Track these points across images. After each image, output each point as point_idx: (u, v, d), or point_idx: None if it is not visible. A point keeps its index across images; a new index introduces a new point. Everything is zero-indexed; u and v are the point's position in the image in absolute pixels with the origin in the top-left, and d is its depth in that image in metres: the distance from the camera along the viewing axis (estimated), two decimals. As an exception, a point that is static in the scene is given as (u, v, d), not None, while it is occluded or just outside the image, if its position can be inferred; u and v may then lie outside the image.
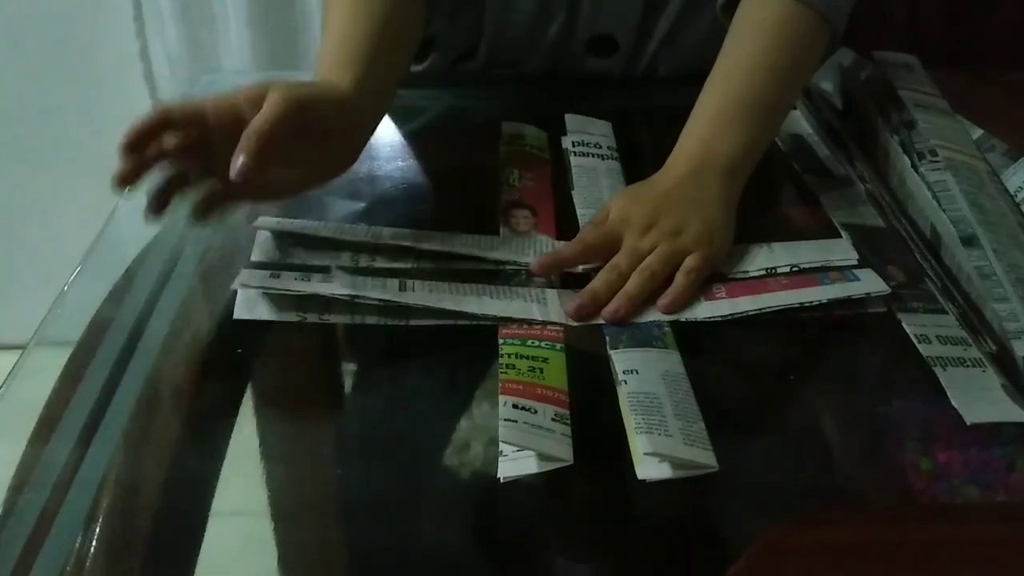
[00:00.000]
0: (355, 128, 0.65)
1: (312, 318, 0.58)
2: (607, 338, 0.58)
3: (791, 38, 0.71)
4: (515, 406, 0.51)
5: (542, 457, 0.49)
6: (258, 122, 0.55)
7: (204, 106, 0.58)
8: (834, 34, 0.73)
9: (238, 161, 0.54)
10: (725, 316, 0.60)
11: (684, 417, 0.51)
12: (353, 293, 0.58)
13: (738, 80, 0.70)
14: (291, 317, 0.58)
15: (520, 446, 0.49)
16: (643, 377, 0.54)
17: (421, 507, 0.51)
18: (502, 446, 0.50)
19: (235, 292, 0.59)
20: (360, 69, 0.64)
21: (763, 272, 0.64)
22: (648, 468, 0.49)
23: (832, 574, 0.45)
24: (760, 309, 0.60)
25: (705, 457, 0.49)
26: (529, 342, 0.57)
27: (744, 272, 0.64)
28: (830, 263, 0.65)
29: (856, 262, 0.65)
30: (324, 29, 0.69)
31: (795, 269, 0.64)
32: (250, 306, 0.59)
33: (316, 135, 0.60)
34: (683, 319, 0.60)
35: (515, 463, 0.49)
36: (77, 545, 0.46)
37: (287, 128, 0.56)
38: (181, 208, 0.72)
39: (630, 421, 0.51)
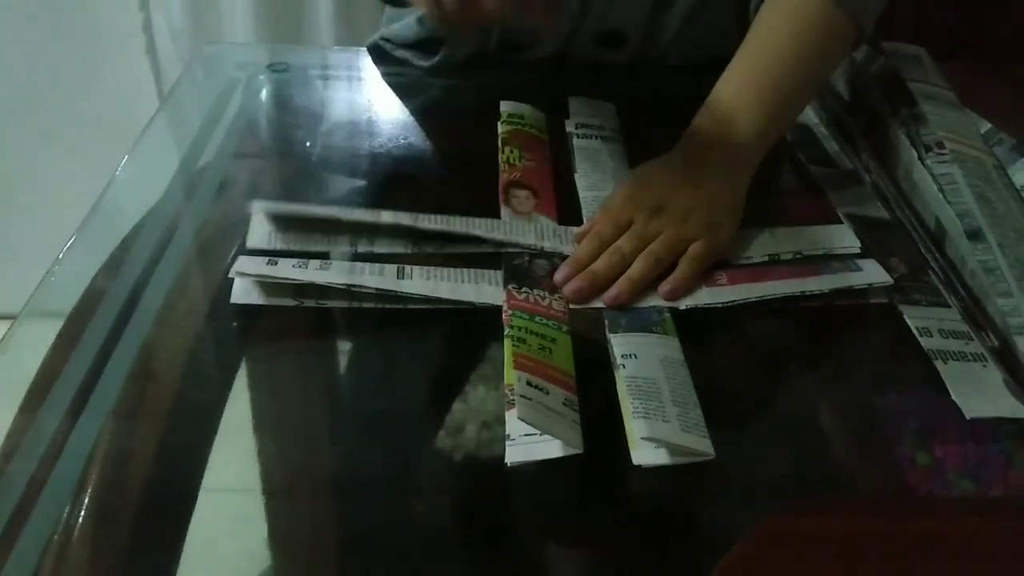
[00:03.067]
0: None
1: (309, 303, 0.58)
2: (606, 321, 0.58)
3: (819, 32, 0.70)
4: (529, 383, 0.50)
5: (554, 443, 0.48)
6: None
7: None
8: (860, 36, 0.72)
9: None
10: (726, 303, 0.59)
11: (682, 404, 0.51)
12: (350, 282, 0.57)
13: (761, 66, 0.69)
14: (288, 302, 0.58)
15: (536, 427, 0.48)
16: (641, 362, 0.54)
17: (413, 488, 0.50)
18: (509, 428, 0.49)
19: (231, 269, 0.59)
20: None
21: (766, 258, 0.63)
22: (644, 454, 0.48)
23: (826, 564, 0.45)
24: (761, 296, 0.60)
25: (702, 444, 0.49)
26: (536, 318, 0.56)
27: (747, 258, 0.63)
28: (832, 250, 0.64)
29: (859, 250, 0.64)
30: None
31: (798, 256, 0.63)
32: (247, 292, 0.58)
33: None
34: (683, 306, 0.59)
35: (524, 448, 0.48)
36: (65, 515, 0.45)
37: None
38: (178, 180, 0.72)
39: (627, 405, 0.50)
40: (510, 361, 0.52)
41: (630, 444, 0.49)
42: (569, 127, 0.78)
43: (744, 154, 0.66)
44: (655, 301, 0.59)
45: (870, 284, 0.61)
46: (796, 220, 0.69)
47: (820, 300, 0.60)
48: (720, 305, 0.59)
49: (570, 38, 0.85)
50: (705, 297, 0.60)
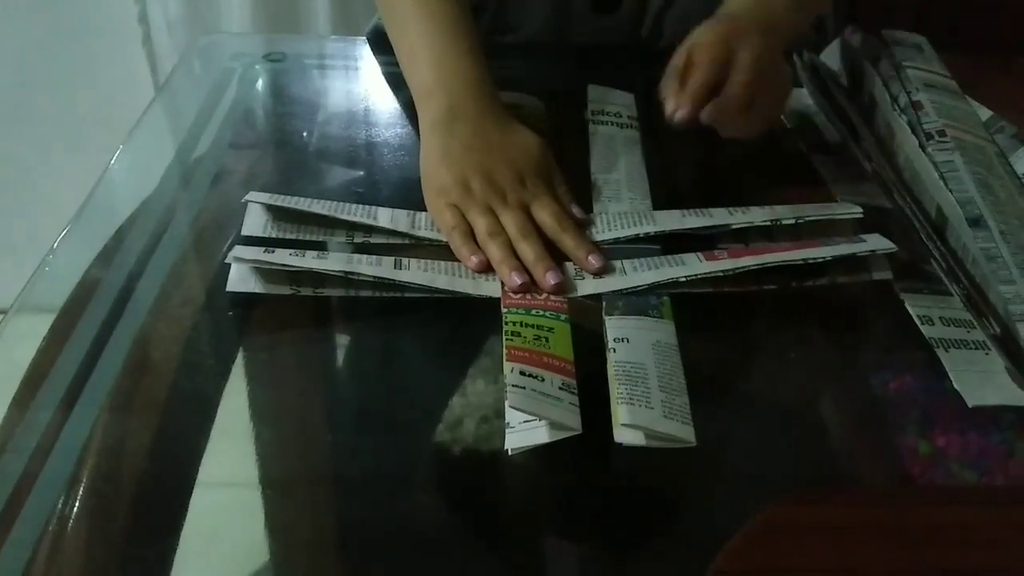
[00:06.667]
0: None
1: (306, 291, 0.57)
2: (604, 304, 0.57)
3: None
4: (522, 373, 0.50)
5: (552, 426, 0.48)
6: None
7: None
8: None
9: None
10: (727, 271, 0.58)
11: (668, 389, 0.51)
12: (348, 270, 0.57)
13: None
14: (284, 291, 0.57)
15: (530, 413, 0.48)
16: (633, 346, 0.53)
17: (411, 481, 0.50)
18: (508, 416, 0.49)
19: (227, 256, 0.58)
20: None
21: (768, 223, 0.63)
22: (625, 435, 0.48)
23: (827, 553, 0.45)
24: (762, 264, 0.59)
25: (683, 432, 0.48)
26: (533, 311, 0.56)
27: (749, 222, 0.63)
28: (835, 215, 0.64)
29: (860, 214, 0.64)
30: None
31: (800, 220, 0.63)
32: (243, 279, 0.58)
33: None
34: (683, 278, 0.58)
35: (523, 434, 0.48)
36: (58, 508, 0.45)
37: None
38: (174, 170, 0.72)
39: (614, 390, 0.50)
40: (505, 355, 0.52)
41: (614, 426, 0.48)
42: (586, 114, 0.78)
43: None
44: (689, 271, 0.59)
45: (873, 251, 0.61)
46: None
47: (824, 278, 0.60)
48: (720, 273, 0.58)
49: (565, 5, 0.84)
50: (706, 268, 0.59)
